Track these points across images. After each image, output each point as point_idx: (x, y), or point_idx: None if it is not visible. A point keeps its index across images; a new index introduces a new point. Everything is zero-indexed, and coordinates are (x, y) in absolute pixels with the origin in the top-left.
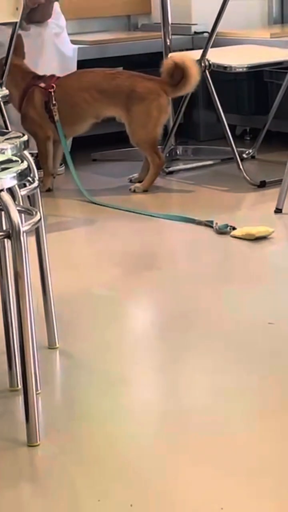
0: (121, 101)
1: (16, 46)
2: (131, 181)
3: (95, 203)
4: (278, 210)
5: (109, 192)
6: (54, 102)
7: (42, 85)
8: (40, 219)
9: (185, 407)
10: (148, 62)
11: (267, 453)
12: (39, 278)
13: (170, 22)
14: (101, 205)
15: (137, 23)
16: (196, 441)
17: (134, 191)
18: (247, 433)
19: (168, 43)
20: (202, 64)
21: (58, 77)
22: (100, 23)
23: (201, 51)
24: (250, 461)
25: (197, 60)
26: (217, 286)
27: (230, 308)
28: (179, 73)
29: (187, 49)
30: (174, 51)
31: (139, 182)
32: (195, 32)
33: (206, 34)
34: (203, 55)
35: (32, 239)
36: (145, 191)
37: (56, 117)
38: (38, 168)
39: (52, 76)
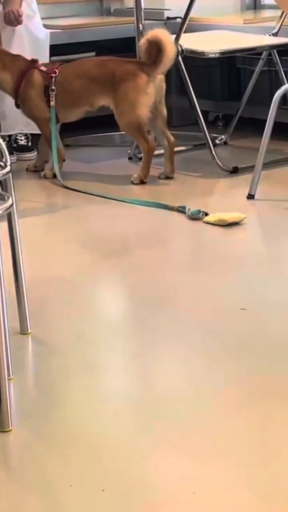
0: (107, 88)
1: None
2: (159, 177)
3: (68, 188)
4: (250, 196)
5: (82, 178)
6: (53, 87)
7: (44, 69)
8: (12, 204)
9: (158, 393)
10: (120, 47)
11: (239, 439)
12: (11, 264)
13: (142, 7)
14: (74, 190)
15: (110, 8)
16: (168, 427)
17: (132, 182)
18: (219, 419)
19: (141, 28)
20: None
21: (61, 64)
22: (73, 8)
23: (174, 36)
24: (222, 447)
25: None
26: (189, 272)
27: (203, 294)
28: (156, 49)
29: None
30: None
31: (167, 177)
32: (168, 18)
33: (179, 20)
34: (176, 40)
35: (4, 224)
36: (142, 181)
37: (52, 103)
38: (10, 153)
39: (54, 63)
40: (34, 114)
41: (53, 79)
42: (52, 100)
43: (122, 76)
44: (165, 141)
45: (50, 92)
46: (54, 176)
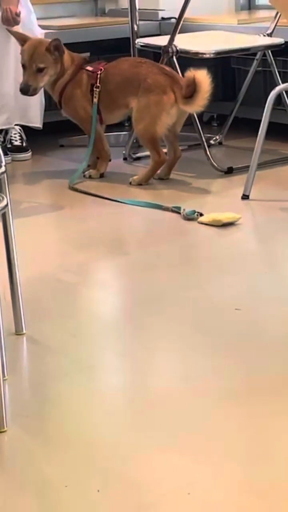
0: (134, 89)
1: None
2: (153, 177)
3: (72, 189)
4: (245, 196)
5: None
6: (98, 84)
7: (90, 68)
8: (7, 204)
9: (153, 392)
10: (115, 48)
11: (234, 438)
12: (6, 264)
13: (137, 7)
14: (72, 189)
15: (104, 8)
16: (163, 426)
17: (130, 183)
18: (214, 418)
19: (136, 29)
20: (170, 50)
21: (106, 63)
22: (67, 8)
23: (168, 37)
24: (217, 445)
25: (165, 46)
26: (184, 272)
27: (197, 294)
28: (193, 89)
29: (154, 35)
30: (141, 36)
31: (160, 178)
32: (163, 18)
33: (173, 20)
34: (171, 41)
35: None
36: (140, 184)
37: (95, 100)
38: (5, 153)
39: (100, 62)
40: (79, 114)
41: (98, 76)
42: (95, 97)
43: (150, 86)
44: (171, 152)
45: (95, 89)
46: (101, 175)
